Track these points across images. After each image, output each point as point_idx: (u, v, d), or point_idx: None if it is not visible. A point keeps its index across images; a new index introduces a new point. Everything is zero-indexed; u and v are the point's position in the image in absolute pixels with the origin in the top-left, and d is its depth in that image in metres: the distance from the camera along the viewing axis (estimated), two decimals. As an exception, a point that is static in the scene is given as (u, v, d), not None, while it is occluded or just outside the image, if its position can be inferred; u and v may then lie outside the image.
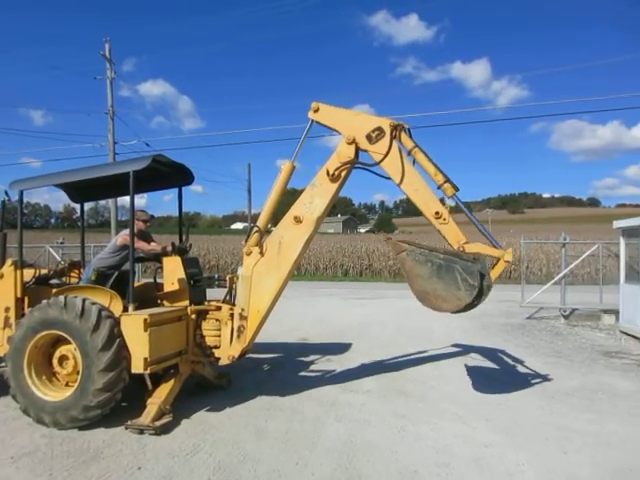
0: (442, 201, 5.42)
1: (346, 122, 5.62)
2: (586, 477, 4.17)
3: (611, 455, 4.61)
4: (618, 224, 11.86)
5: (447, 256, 5.02)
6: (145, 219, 6.39)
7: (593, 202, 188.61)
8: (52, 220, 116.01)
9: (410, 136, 5.56)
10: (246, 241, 5.69)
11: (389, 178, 5.48)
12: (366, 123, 5.52)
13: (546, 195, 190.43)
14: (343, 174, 5.57)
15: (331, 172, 5.48)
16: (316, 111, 5.73)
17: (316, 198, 5.59)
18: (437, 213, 5.29)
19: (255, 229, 5.68)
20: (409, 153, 5.48)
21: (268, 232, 5.83)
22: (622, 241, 11.92)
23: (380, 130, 5.44)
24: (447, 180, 5.33)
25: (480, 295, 4.94)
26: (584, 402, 6.21)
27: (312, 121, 5.78)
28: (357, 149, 5.54)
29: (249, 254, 5.63)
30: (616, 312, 12.30)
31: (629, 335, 10.92)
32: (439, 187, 5.37)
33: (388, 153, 5.41)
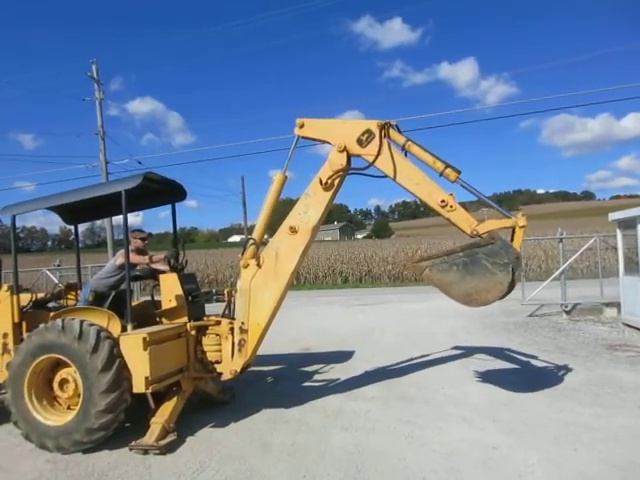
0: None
1: (334, 131, 5.63)
2: (597, 474, 4.13)
3: (620, 450, 4.58)
4: (614, 216, 11.88)
5: (466, 251, 4.97)
6: (143, 237, 6.38)
7: (587, 195, 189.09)
8: (49, 243, 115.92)
9: (400, 132, 5.58)
10: (242, 254, 5.67)
11: (386, 176, 5.49)
12: (354, 128, 5.54)
13: (540, 191, 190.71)
14: (336, 182, 5.57)
15: (324, 181, 5.48)
16: (301, 127, 5.74)
17: (310, 208, 5.58)
18: (443, 201, 5.27)
19: (251, 241, 5.66)
20: (403, 148, 5.49)
21: (264, 243, 5.81)
22: (619, 233, 11.95)
23: (369, 132, 5.46)
24: (447, 165, 5.35)
25: (514, 269, 4.89)
26: (591, 397, 6.17)
27: (298, 137, 5.79)
28: (349, 156, 5.54)
29: (246, 267, 5.60)
30: (618, 305, 12.28)
31: (632, 327, 10.90)
32: (441, 174, 5.37)
33: (380, 152, 5.42)
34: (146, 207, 7.00)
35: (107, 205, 6.38)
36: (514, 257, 4.92)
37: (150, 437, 5.05)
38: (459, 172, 5.33)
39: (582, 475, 4.12)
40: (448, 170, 5.33)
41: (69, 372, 5.23)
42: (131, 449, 5.00)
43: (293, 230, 5.54)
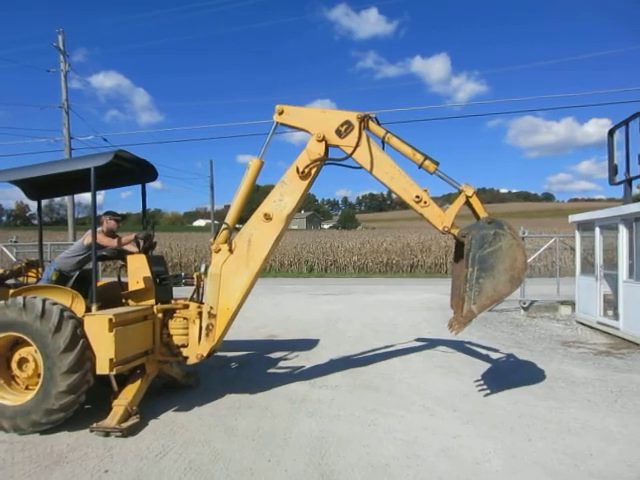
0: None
1: (313, 120, 5.61)
2: (550, 462, 4.32)
3: (572, 440, 4.80)
4: (574, 218, 12.32)
5: (469, 262, 5.06)
6: (117, 219, 6.22)
7: (548, 197, 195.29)
8: (3, 218, 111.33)
9: (379, 124, 5.61)
10: (215, 238, 5.61)
11: (362, 168, 5.52)
12: (334, 118, 5.53)
13: (503, 190, 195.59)
14: (313, 171, 5.55)
15: (301, 169, 5.46)
16: (281, 114, 5.68)
17: (286, 195, 5.55)
18: (417, 197, 5.35)
19: (224, 226, 5.60)
20: (383, 140, 5.53)
21: (237, 229, 5.76)
22: (577, 235, 12.40)
23: (348, 123, 5.46)
24: (426, 157, 5.42)
25: (502, 227, 5.10)
26: (545, 390, 6.43)
27: (277, 124, 5.74)
28: (327, 146, 5.53)
29: (218, 251, 5.54)
30: (572, 303, 12.80)
31: (585, 325, 11.39)
32: (420, 166, 5.44)
33: (358, 144, 5.43)
34: (115, 186, 6.82)
35: (74, 182, 6.19)
36: (488, 222, 5.14)
37: (112, 419, 4.97)
38: (438, 164, 5.42)
39: (536, 463, 4.30)
40: (427, 162, 5.41)
41: (29, 351, 5.08)
42: (92, 431, 4.91)
43: (267, 217, 5.51)
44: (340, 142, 5.50)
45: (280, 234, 5.61)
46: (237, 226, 5.81)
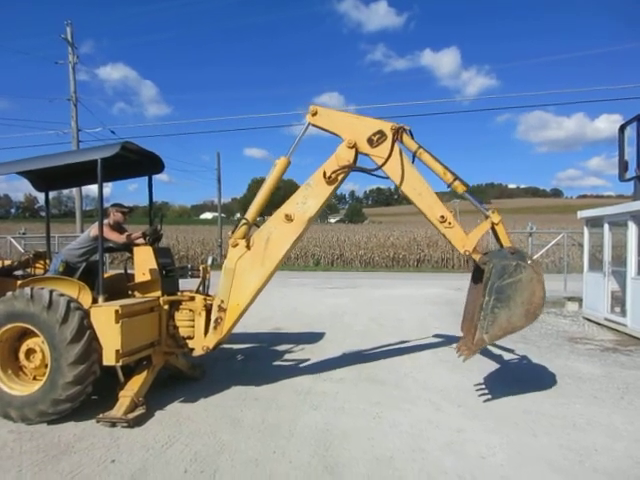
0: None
1: (346, 126, 5.51)
2: (555, 458, 4.31)
3: (578, 436, 4.78)
4: (582, 214, 12.22)
5: (486, 291, 4.99)
6: (124, 211, 6.23)
7: (556, 193, 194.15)
8: (12, 210, 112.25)
9: (412, 137, 5.49)
10: (233, 232, 5.59)
11: (388, 178, 5.46)
12: (367, 126, 5.44)
13: (512, 186, 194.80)
14: (340, 177, 5.46)
15: (328, 174, 5.39)
16: (314, 115, 5.59)
17: (310, 199, 5.48)
18: (442, 217, 5.27)
19: (243, 221, 5.58)
20: (414, 155, 5.43)
21: (257, 225, 5.72)
22: (586, 231, 12.30)
23: (381, 134, 5.37)
24: (457, 178, 5.33)
25: (524, 259, 5.03)
26: (551, 386, 6.40)
27: (309, 124, 5.66)
28: (357, 153, 5.45)
29: (235, 246, 5.51)
30: (579, 299, 12.73)
31: (592, 321, 11.33)
32: (449, 186, 5.37)
33: (390, 157, 5.33)
34: (122, 178, 6.83)
35: (81, 173, 6.20)
36: (511, 253, 5.06)
37: (118, 410, 5.01)
38: (468, 186, 5.34)
39: (541, 458, 4.29)
40: (457, 182, 5.32)
41: (36, 342, 5.11)
42: (98, 421, 4.95)
43: (288, 218, 5.46)
44: (371, 151, 5.40)
45: (299, 236, 5.56)
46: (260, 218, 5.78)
